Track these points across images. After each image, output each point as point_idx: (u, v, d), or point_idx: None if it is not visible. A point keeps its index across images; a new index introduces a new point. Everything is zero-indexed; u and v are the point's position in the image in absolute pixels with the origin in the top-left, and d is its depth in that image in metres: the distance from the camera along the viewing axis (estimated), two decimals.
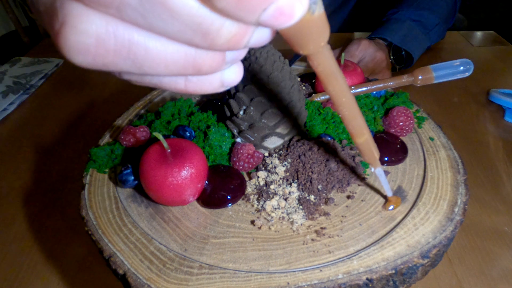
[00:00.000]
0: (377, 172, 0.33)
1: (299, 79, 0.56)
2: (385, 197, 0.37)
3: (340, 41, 0.98)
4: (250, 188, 0.39)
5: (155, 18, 0.14)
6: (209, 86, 0.18)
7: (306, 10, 0.14)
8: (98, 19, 0.14)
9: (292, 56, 0.70)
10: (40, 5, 0.16)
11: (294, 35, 0.16)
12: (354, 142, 0.29)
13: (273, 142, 0.41)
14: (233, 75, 0.18)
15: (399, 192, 0.38)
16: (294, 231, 0.35)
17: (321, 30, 0.16)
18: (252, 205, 0.37)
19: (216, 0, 0.13)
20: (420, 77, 0.48)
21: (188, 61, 0.16)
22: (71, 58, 0.15)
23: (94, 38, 0.15)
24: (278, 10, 0.13)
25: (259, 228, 0.35)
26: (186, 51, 0.16)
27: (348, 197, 0.38)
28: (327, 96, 0.49)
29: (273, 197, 0.37)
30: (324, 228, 0.35)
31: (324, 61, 0.19)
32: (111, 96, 0.83)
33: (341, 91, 0.22)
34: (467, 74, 0.46)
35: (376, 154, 0.30)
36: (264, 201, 0.37)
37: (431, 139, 0.45)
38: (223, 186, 0.38)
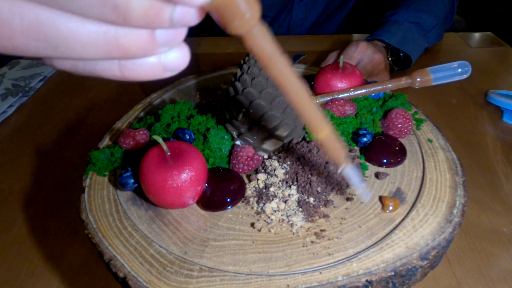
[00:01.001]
0: (346, 173, 0.28)
1: None
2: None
3: (338, 43, 0.98)
4: (249, 190, 0.39)
5: None
6: (148, 72, 0.17)
7: None
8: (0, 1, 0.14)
9: (291, 58, 0.70)
10: None
11: (218, 13, 0.15)
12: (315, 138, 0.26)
13: (273, 144, 0.42)
14: (175, 58, 0.17)
15: (398, 194, 0.38)
16: (293, 234, 0.35)
17: (248, 6, 0.15)
18: (252, 208, 0.38)
19: None
20: (418, 79, 0.48)
21: (109, 41, 0.15)
22: None
23: None
24: None
25: (259, 230, 0.35)
26: (105, 30, 0.15)
27: (347, 199, 0.38)
28: (326, 98, 0.49)
29: (272, 199, 0.37)
30: (324, 230, 0.35)
31: (257, 43, 0.17)
32: (110, 98, 0.83)
33: (283, 77, 0.20)
34: (465, 76, 0.46)
35: (341, 149, 0.27)
36: (264, 204, 0.37)
37: (430, 141, 0.45)
38: (223, 189, 0.38)
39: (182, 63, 0.18)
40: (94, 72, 0.17)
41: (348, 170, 0.28)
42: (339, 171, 0.28)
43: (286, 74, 0.20)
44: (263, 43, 0.18)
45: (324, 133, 0.25)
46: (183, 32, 0.17)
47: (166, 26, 0.15)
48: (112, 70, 0.17)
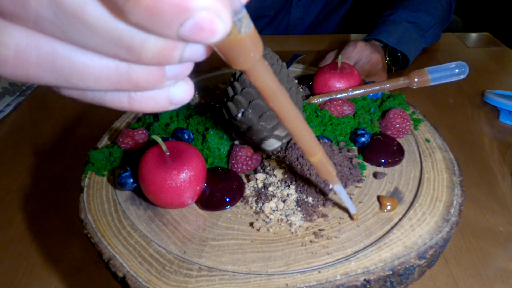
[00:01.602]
0: (336, 189, 0.32)
1: (296, 81, 0.56)
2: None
3: (336, 43, 0.98)
4: (248, 190, 0.39)
5: (74, 31, 0.14)
6: (155, 104, 0.18)
7: (230, 27, 0.14)
8: (18, 32, 0.14)
9: (290, 57, 0.70)
10: None
11: (225, 51, 0.16)
12: (308, 160, 0.28)
13: (271, 144, 0.42)
14: (181, 92, 0.18)
15: (396, 194, 0.39)
16: (292, 233, 0.35)
17: (253, 47, 0.16)
18: (251, 207, 0.38)
19: (128, 15, 0.13)
20: (416, 80, 0.48)
21: (121, 76, 0.16)
22: None
23: (13, 50, 0.14)
24: (196, 26, 0.13)
25: (258, 230, 0.35)
26: (118, 65, 0.16)
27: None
28: (324, 99, 0.49)
29: (271, 199, 0.37)
30: (322, 229, 0.35)
31: (260, 77, 0.19)
32: None
33: (282, 108, 0.21)
34: (462, 77, 0.46)
35: (332, 171, 0.29)
36: (263, 203, 0.37)
37: (427, 140, 0.45)
38: (222, 189, 0.38)
39: (187, 96, 0.18)
40: (103, 102, 0.18)
41: (338, 188, 0.32)
42: (330, 187, 0.31)
43: (285, 105, 0.21)
44: (264, 77, 0.19)
45: (317, 157, 0.27)
46: (190, 66, 0.18)
47: (175, 63, 0.16)
48: (122, 102, 0.18)
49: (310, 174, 0.38)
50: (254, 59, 0.17)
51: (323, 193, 0.38)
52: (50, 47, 0.15)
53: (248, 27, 0.15)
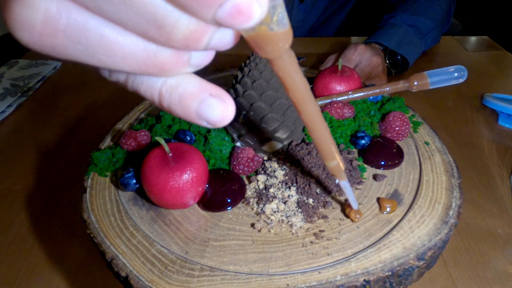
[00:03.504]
0: (342, 185, 0.32)
1: None
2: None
3: (336, 45, 0.99)
4: (250, 191, 0.40)
5: (107, 3, 0.14)
6: (183, 112, 0.17)
7: (266, 12, 0.14)
8: None
9: None
10: None
11: (254, 38, 0.16)
12: (324, 161, 0.29)
13: (273, 146, 0.42)
14: (215, 112, 0.17)
15: (395, 196, 0.39)
16: (293, 234, 0.35)
17: (283, 36, 0.16)
18: (252, 208, 0.38)
19: None
20: (415, 83, 0.49)
21: (148, 56, 0.16)
22: (16, 34, 0.14)
23: (42, 14, 0.14)
24: (235, 8, 0.13)
25: (259, 231, 0.36)
26: (146, 45, 0.15)
27: (346, 200, 0.39)
28: (325, 101, 0.50)
29: (272, 200, 0.38)
30: (323, 230, 0.35)
31: (285, 67, 0.18)
32: (109, 99, 0.83)
33: (303, 100, 0.21)
34: (461, 80, 0.47)
35: (342, 166, 0.30)
36: (264, 204, 0.37)
37: (427, 143, 0.46)
38: (223, 190, 0.38)
39: (221, 118, 0.17)
40: (138, 91, 0.18)
41: (344, 183, 0.32)
42: (336, 181, 0.32)
43: (307, 100, 0.21)
44: (289, 68, 0.18)
45: (335, 162, 0.28)
46: (212, 55, 0.17)
47: (202, 49, 0.16)
48: (153, 95, 0.18)
49: (311, 176, 0.38)
50: (282, 49, 0.17)
51: (323, 194, 0.38)
52: (81, 17, 0.14)
53: (281, 15, 0.15)
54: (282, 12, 0.15)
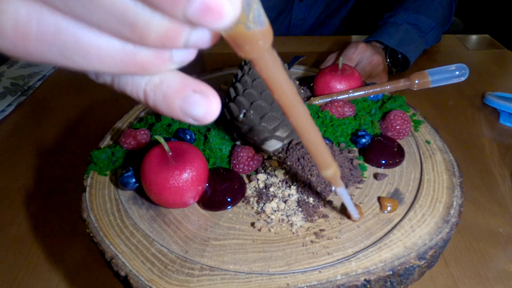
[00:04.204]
0: (339, 192, 0.31)
1: (297, 82, 0.56)
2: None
3: (337, 44, 0.98)
4: (250, 190, 0.39)
5: (78, 4, 0.13)
6: (168, 111, 0.17)
7: (239, 11, 0.13)
8: (18, 1, 0.14)
9: (291, 59, 0.70)
10: None
11: (231, 37, 0.15)
12: (319, 169, 0.28)
13: (273, 145, 0.42)
14: (201, 109, 0.17)
15: (396, 195, 0.39)
16: (293, 233, 0.35)
17: (261, 34, 0.15)
18: (252, 208, 0.38)
19: None
20: (416, 81, 0.49)
21: (127, 56, 0.15)
22: None
23: (12, 19, 0.14)
24: (204, 5, 0.13)
25: (259, 230, 0.35)
26: (124, 46, 0.15)
27: None
28: (326, 100, 0.50)
29: (272, 199, 0.37)
30: (323, 230, 0.35)
31: (266, 68, 0.18)
32: (109, 98, 0.83)
33: (288, 102, 0.20)
34: (462, 79, 0.46)
35: (339, 173, 0.29)
36: (264, 204, 0.37)
37: (428, 142, 0.46)
38: (223, 189, 0.38)
39: (206, 115, 0.17)
40: (124, 91, 0.18)
41: (341, 190, 0.31)
42: (332, 189, 0.31)
43: (293, 103, 0.20)
44: (272, 69, 0.18)
45: (332, 170, 0.27)
46: (195, 51, 0.17)
47: (180, 47, 0.15)
48: (139, 94, 0.17)
49: (311, 175, 0.38)
50: (262, 48, 0.16)
51: (324, 193, 0.38)
52: (52, 21, 0.14)
53: (257, 13, 0.15)
54: (258, 10, 0.15)
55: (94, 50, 0.15)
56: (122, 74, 0.17)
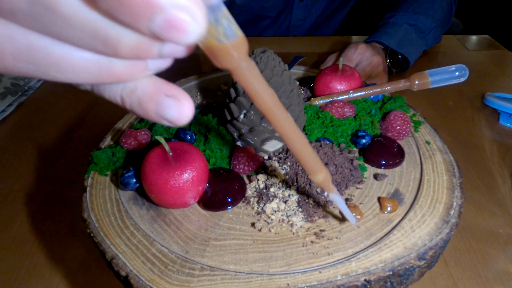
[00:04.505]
0: (332, 198, 0.31)
1: (298, 83, 0.56)
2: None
3: (337, 45, 0.99)
4: (250, 191, 0.40)
5: (49, 23, 0.14)
6: (144, 113, 0.18)
7: (204, 28, 0.14)
8: None
9: (291, 59, 0.71)
10: None
11: (208, 50, 0.16)
12: (309, 175, 0.27)
13: (273, 145, 0.42)
14: (174, 113, 0.17)
15: (396, 195, 0.39)
16: (293, 233, 0.35)
17: (235, 49, 0.16)
18: (252, 208, 0.38)
19: (98, 2, 0.13)
20: (416, 82, 0.49)
21: (102, 69, 0.16)
22: None
23: None
24: (168, 23, 0.13)
25: (259, 230, 0.36)
26: (98, 59, 0.15)
27: (346, 200, 0.39)
28: (326, 100, 0.50)
29: (273, 199, 0.37)
30: (323, 230, 0.35)
31: (244, 78, 0.18)
32: None
33: (269, 110, 0.20)
34: (462, 79, 0.47)
35: (330, 178, 0.29)
36: (264, 204, 0.37)
37: (428, 142, 0.46)
38: (224, 189, 0.38)
39: (179, 118, 0.17)
40: (103, 96, 0.18)
41: (334, 196, 0.31)
42: (325, 195, 0.31)
43: (274, 111, 0.21)
44: (249, 78, 0.18)
45: (322, 176, 0.27)
46: (171, 60, 0.17)
47: (155, 58, 0.16)
48: (117, 100, 0.18)
49: None
50: (238, 60, 0.16)
51: (324, 194, 0.38)
52: (25, 39, 0.14)
53: (227, 27, 0.15)
54: (228, 23, 0.15)
55: (68, 64, 0.15)
56: (99, 84, 0.17)
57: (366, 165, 0.42)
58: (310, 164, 0.26)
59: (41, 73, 0.16)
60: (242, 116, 0.41)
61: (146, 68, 0.17)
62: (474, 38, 1.08)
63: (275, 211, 0.37)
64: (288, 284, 0.30)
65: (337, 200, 0.31)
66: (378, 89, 0.50)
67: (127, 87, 0.17)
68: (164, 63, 0.17)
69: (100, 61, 0.15)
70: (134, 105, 0.18)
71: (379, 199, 0.38)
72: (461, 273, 0.46)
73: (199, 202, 0.38)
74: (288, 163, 0.40)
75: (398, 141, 0.45)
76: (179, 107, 0.17)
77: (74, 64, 0.15)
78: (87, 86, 0.18)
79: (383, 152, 0.43)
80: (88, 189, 0.41)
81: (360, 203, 0.38)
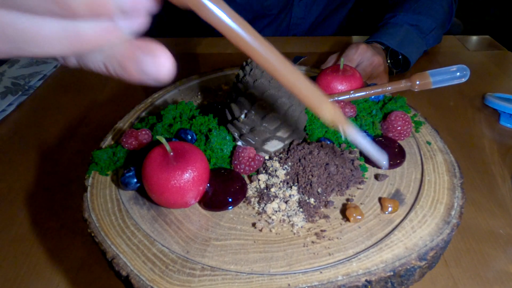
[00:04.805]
0: (349, 133, 0.24)
1: None
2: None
3: (337, 45, 0.99)
4: (251, 191, 0.40)
5: None
6: (126, 76, 0.18)
7: None
8: None
9: (292, 59, 0.71)
10: None
11: None
12: (315, 112, 0.23)
13: (274, 145, 0.42)
14: (154, 66, 0.17)
15: (397, 196, 0.39)
16: (294, 234, 0.35)
17: None
18: (253, 208, 0.38)
19: None
20: (417, 82, 0.49)
21: (72, 36, 0.16)
22: None
23: None
24: None
25: (260, 230, 0.36)
26: (64, 25, 0.15)
27: (347, 200, 0.39)
28: None
29: (273, 200, 0.37)
30: (324, 230, 0.35)
31: (207, 13, 0.17)
32: (110, 97, 0.83)
33: (245, 44, 0.18)
34: (463, 80, 0.47)
35: (339, 109, 0.24)
36: (265, 204, 0.37)
37: (428, 143, 0.46)
38: (225, 189, 0.38)
39: (161, 72, 0.17)
40: (90, 68, 0.18)
41: (352, 131, 0.25)
42: (341, 132, 0.24)
43: (249, 43, 0.18)
44: (214, 12, 0.17)
45: (329, 106, 0.22)
46: (144, 17, 0.17)
47: (116, 13, 0.16)
48: (101, 68, 0.18)
49: (312, 176, 0.38)
50: None
51: (325, 194, 0.38)
52: None
53: None
54: None
55: (39, 36, 0.15)
56: (79, 54, 0.17)
57: (367, 165, 0.42)
58: (310, 96, 0.22)
59: (22, 50, 0.16)
60: (243, 116, 0.41)
61: (117, 29, 0.16)
62: (474, 38, 1.08)
63: (276, 211, 0.37)
64: (289, 284, 0.30)
65: (357, 138, 0.25)
66: (379, 90, 0.50)
67: (107, 53, 0.18)
68: (137, 22, 0.17)
69: (67, 27, 0.16)
70: (117, 70, 0.18)
71: (380, 199, 0.38)
72: (461, 274, 0.46)
73: (199, 202, 0.38)
74: (289, 163, 0.40)
75: (399, 141, 0.45)
76: (156, 60, 0.17)
77: (44, 35, 0.15)
78: (73, 61, 0.18)
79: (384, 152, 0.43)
80: (88, 188, 0.41)
81: (361, 204, 0.38)
